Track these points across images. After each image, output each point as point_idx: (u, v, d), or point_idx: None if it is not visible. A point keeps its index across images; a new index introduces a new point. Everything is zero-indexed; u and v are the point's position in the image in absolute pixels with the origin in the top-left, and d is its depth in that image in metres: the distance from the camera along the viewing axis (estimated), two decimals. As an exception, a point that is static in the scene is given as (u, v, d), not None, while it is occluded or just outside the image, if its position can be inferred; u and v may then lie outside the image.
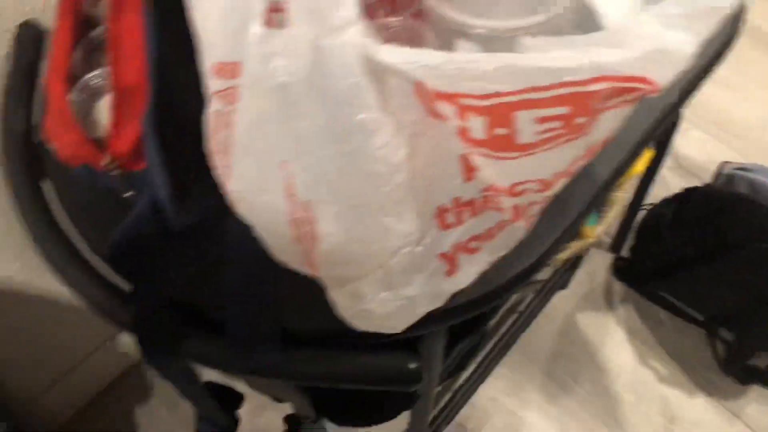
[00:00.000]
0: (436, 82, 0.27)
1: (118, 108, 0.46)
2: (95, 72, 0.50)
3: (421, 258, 0.34)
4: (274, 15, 0.30)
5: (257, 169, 0.33)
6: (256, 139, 0.32)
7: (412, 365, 0.41)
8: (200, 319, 0.43)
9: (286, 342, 0.41)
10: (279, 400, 0.72)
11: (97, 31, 0.53)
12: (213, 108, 0.33)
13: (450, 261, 0.35)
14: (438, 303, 0.37)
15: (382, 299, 0.34)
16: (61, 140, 0.47)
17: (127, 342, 1.00)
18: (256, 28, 0.29)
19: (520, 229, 0.36)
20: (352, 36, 0.27)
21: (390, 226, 0.31)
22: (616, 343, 1.12)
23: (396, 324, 0.37)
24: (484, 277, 0.38)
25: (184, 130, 0.42)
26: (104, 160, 0.45)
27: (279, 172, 0.31)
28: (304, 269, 0.35)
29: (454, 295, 0.38)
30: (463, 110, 0.28)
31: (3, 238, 0.74)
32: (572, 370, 1.08)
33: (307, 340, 0.42)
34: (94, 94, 0.50)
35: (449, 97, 0.28)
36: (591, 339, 1.12)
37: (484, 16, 0.42)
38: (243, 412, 0.55)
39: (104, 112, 0.48)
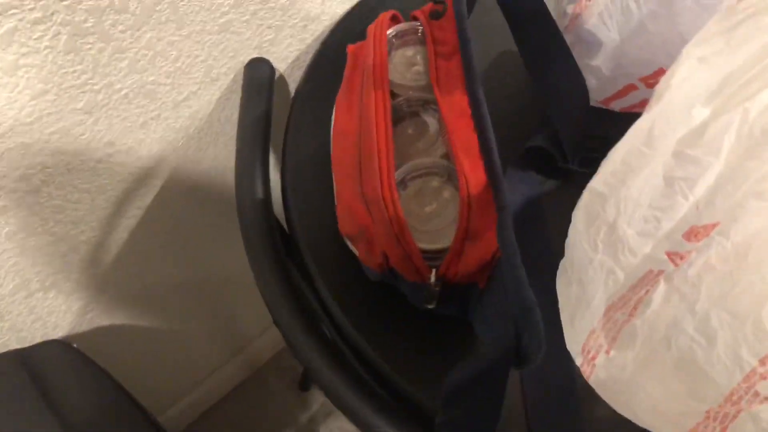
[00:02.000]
0: None
1: (464, 221, 0.39)
2: (412, 163, 0.43)
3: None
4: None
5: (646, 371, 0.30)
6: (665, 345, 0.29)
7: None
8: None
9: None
10: None
11: (398, 101, 0.46)
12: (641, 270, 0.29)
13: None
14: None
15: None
16: (391, 252, 0.40)
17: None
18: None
19: None
20: None
21: None
22: None
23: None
24: None
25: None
26: (433, 276, 0.39)
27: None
28: None
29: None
30: None
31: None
32: None
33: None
34: (404, 187, 0.43)
35: None
36: None
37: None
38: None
39: (423, 216, 0.42)
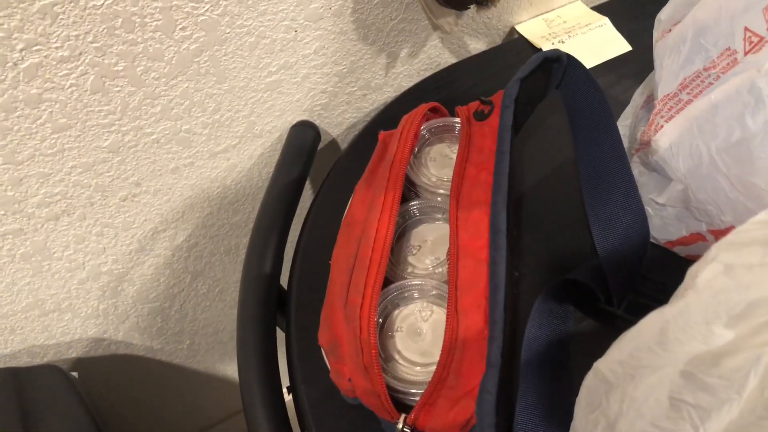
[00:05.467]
0: None
1: (443, 369, 0.33)
2: (405, 283, 0.39)
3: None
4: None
5: None
6: None
7: None
8: None
9: None
10: None
11: (411, 206, 0.42)
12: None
13: None
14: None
15: None
16: (357, 381, 0.35)
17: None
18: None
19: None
20: None
21: None
22: None
23: None
24: None
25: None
26: (401, 422, 0.34)
27: None
28: None
29: None
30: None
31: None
32: None
33: None
34: (393, 307, 0.39)
35: None
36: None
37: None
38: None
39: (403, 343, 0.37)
